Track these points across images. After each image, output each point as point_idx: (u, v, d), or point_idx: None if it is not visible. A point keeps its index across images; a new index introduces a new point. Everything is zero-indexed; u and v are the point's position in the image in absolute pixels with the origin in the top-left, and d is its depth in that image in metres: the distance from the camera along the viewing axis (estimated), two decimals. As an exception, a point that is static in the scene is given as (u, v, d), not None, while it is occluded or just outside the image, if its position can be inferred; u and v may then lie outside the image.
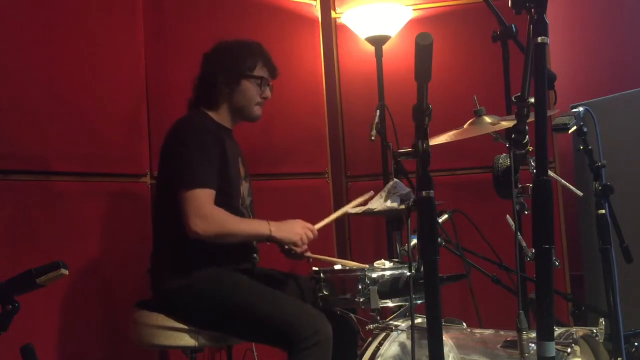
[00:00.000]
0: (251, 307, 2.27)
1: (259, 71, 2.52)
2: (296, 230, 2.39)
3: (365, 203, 2.41)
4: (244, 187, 2.56)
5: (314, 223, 2.48)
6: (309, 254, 2.49)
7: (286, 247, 2.44)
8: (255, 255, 2.54)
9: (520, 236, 1.92)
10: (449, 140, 2.21)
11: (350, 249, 3.70)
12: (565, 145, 3.64)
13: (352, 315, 2.45)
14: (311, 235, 2.41)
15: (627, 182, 3.19)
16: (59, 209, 2.71)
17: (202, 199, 2.27)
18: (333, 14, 3.77)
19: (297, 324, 2.18)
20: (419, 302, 1.95)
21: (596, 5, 4.08)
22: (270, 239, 2.37)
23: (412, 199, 2.12)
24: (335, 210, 2.65)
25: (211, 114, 2.51)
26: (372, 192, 2.44)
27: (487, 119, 2.21)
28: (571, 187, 2.37)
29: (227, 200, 2.37)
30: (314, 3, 3.69)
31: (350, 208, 2.49)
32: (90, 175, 2.84)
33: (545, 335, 1.36)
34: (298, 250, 2.45)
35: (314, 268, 2.24)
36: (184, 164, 2.31)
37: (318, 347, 2.16)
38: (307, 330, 2.16)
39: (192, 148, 2.32)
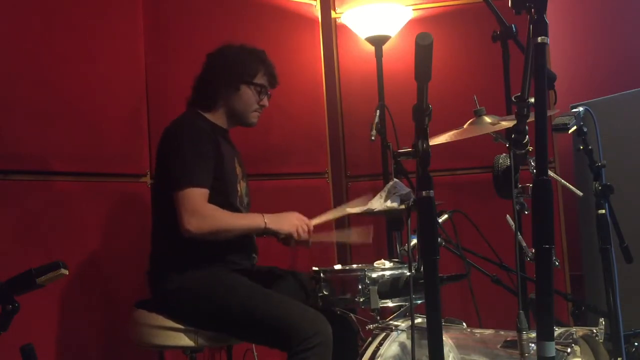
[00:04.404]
0: (251, 308, 2.27)
1: (260, 79, 2.53)
2: (292, 222, 2.39)
3: (364, 203, 2.41)
4: (242, 187, 2.56)
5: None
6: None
7: (282, 236, 2.43)
8: (254, 254, 2.54)
9: (520, 236, 1.91)
10: (449, 140, 2.21)
11: (350, 249, 3.70)
12: (565, 145, 3.64)
13: (352, 315, 2.45)
14: (306, 229, 2.41)
15: (627, 182, 3.19)
16: (58, 209, 2.71)
17: (195, 197, 2.27)
18: (333, 14, 3.77)
19: (297, 325, 2.18)
20: (419, 302, 1.95)
21: (596, 5, 4.09)
22: (265, 231, 2.37)
23: (412, 199, 2.12)
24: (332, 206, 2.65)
25: (207, 115, 2.51)
26: (371, 196, 2.44)
27: (487, 119, 2.21)
28: (571, 187, 2.37)
29: (224, 199, 2.37)
30: (314, 3, 3.69)
31: (349, 209, 2.48)
32: (90, 175, 2.84)
33: (545, 335, 1.36)
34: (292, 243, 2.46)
35: (314, 268, 2.24)
36: (178, 164, 2.31)
37: (318, 349, 2.16)
38: (307, 332, 2.16)
39: (185, 148, 2.33)
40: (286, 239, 2.44)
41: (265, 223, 2.35)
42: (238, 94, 2.50)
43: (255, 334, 2.35)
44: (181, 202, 2.26)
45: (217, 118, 2.53)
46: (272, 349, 2.29)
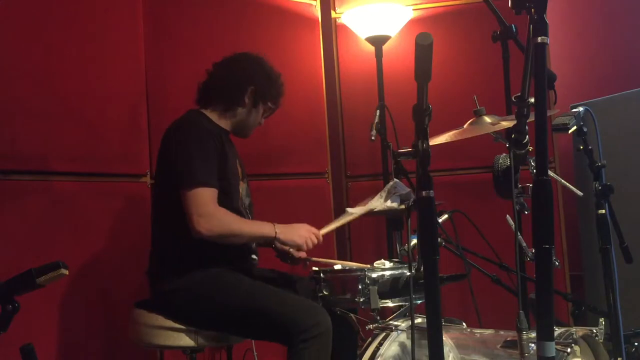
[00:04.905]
0: (250, 304, 2.27)
1: (275, 103, 2.57)
2: (301, 234, 2.39)
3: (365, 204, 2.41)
4: (242, 188, 2.56)
5: (314, 223, 2.48)
6: (306, 257, 2.49)
7: (290, 250, 2.44)
8: (254, 256, 2.55)
9: (520, 236, 1.91)
10: (449, 140, 2.21)
11: (350, 249, 3.70)
12: (565, 145, 3.64)
13: (352, 315, 2.45)
14: (315, 240, 2.41)
15: (627, 182, 3.19)
16: (58, 209, 2.71)
17: (205, 198, 2.27)
18: (333, 14, 3.77)
19: (297, 317, 2.18)
20: (419, 302, 1.95)
21: (596, 5, 4.08)
22: (275, 240, 2.37)
23: (412, 199, 2.12)
24: (336, 210, 2.65)
25: (211, 115, 2.50)
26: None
27: (487, 119, 2.20)
28: (571, 187, 2.37)
29: (227, 200, 2.37)
30: (314, 3, 3.69)
31: (353, 214, 2.46)
32: (90, 175, 2.84)
33: (545, 335, 1.36)
34: (301, 254, 2.46)
35: (314, 268, 2.24)
36: (185, 164, 2.30)
37: (318, 340, 2.15)
38: (307, 323, 2.16)
39: (192, 148, 2.32)
40: (285, 255, 2.44)
41: (276, 233, 2.35)
42: (256, 109, 2.53)
43: (255, 329, 2.35)
44: (190, 203, 2.25)
45: (223, 120, 2.52)
46: (273, 345, 2.28)
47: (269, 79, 2.54)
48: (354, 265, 2.37)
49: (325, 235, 2.49)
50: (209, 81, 2.55)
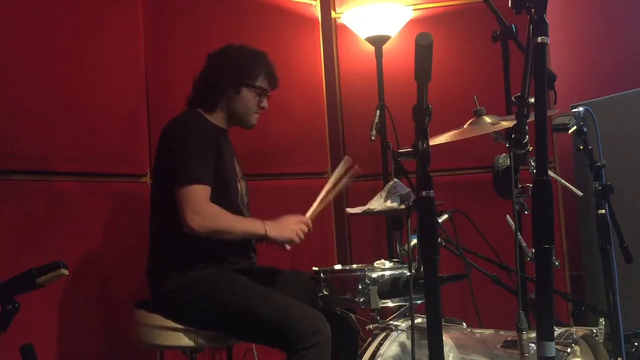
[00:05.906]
0: (250, 308, 2.27)
1: (260, 82, 2.52)
2: (291, 227, 2.40)
3: (346, 174, 2.53)
4: (242, 186, 2.56)
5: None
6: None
7: (287, 246, 2.44)
8: (253, 254, 2.55)
9: (520, 236, 1.91)
10: (449, 140, 2.21)
11: (350, 249, 3.70)
12: (565, 145, 3.64)
13: (352, 315, 2.45)
14: (306, 229, 2.43)
15: (627, 182, 3.19)
16: (59, 209, 2.71)
17: (198, 194, 2.28)
18: (333, 14, 3.77)
19: (297, 324, 2.18)
20: (419, 302, 1.95)
21: (596, 5, 4.08)
22: (265, 238, 2.37)
23: (412, 199, 2.12)
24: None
25: (206, 114, 2.51)
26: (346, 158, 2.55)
27: (487, 119, 2.20)
28: (571, 187, 2.37)
29: (226, 199, 2.38)
30: (314, 3, 3.69)
31: (331, 185, 2.48)
32: (90, 175, 2.84)
33: (545, 335, 1.36)
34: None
35: (314, 268, 2.24)
36: (180, 161, 2.31)
37: (317, 348, 2.16)
38: (307, 331, 2.16)
39: (187, 145, 2.33)
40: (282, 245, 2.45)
41: (266, 230, 2.35)
42: (239, 96, 2.50)
43: (254, 334, 2.35)
44: (184, 199, 2.26)
45: (217, 118, 2.52)
46: (273, 348, 2.29)
47: (239, 64, 2.49)
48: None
49: (325, 236, 2.49)
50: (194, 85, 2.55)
